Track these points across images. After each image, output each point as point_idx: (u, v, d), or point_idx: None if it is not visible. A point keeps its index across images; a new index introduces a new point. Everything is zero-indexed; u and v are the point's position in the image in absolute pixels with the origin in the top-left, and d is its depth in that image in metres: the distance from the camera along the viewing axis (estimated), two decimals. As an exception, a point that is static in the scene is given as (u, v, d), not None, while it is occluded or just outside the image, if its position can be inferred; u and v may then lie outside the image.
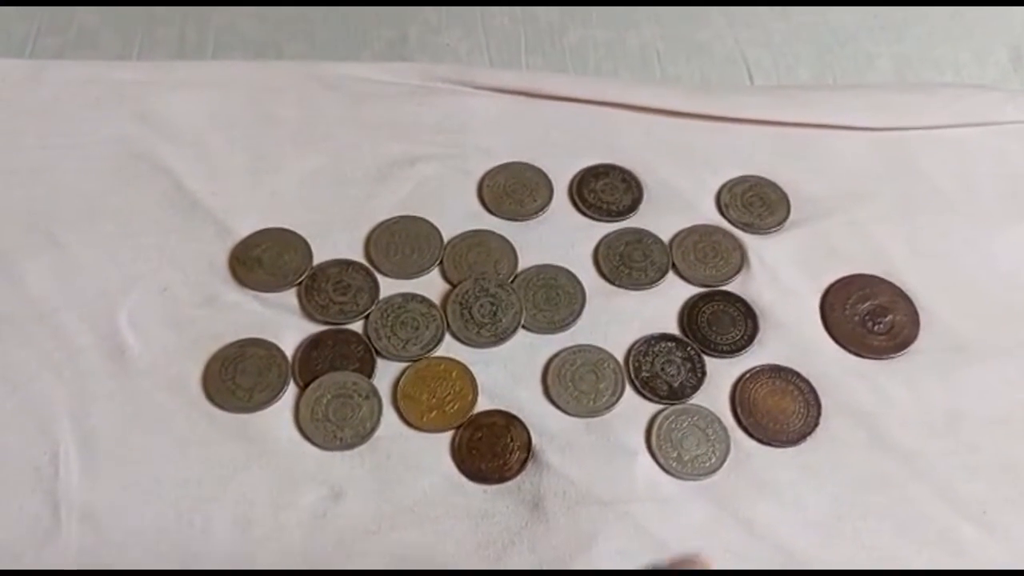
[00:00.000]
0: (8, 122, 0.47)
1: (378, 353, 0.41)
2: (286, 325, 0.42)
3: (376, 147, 0.47)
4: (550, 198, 0.46)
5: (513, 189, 0.46)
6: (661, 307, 0.43)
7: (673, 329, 0.42)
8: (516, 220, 0.45)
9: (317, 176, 0.46)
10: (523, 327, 0.42)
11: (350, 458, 0.38)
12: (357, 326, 0.42)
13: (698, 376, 0.41)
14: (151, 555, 0.36)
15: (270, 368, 0.40)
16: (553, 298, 0.43)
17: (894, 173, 0.48)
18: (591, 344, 0.42)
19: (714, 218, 0.46)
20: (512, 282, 0.43)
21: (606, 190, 0.46)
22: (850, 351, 0.42)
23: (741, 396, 0.40)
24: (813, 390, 0.41)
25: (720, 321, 0.42)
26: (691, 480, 0.38)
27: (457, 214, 0.45)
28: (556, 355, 0.41)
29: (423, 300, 0.42)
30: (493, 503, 0.37)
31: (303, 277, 0.43)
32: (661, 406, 0.40)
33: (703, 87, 0.52)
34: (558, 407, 0.40)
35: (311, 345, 0.41)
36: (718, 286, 0.44)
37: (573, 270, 0.44)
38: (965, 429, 0.40)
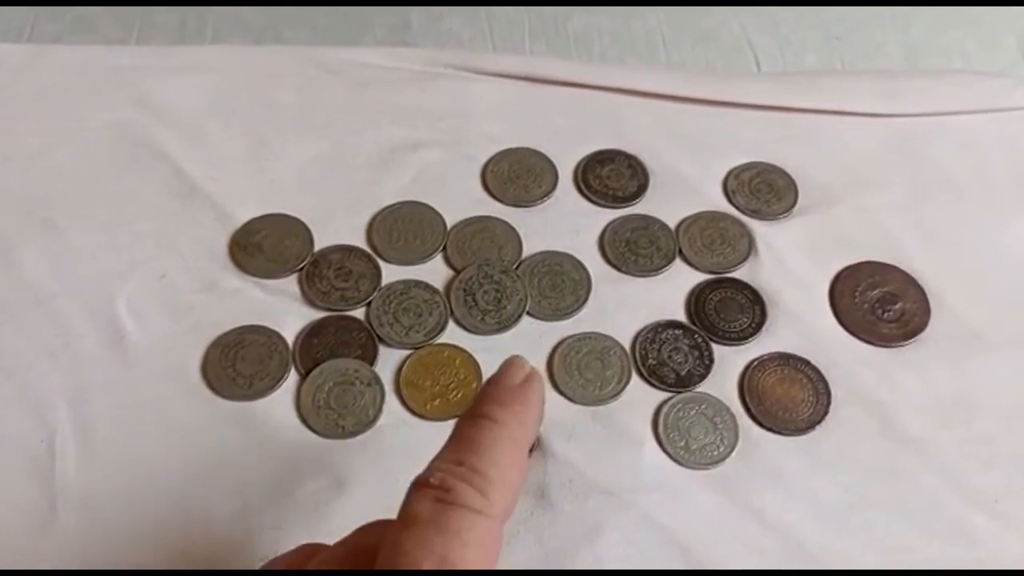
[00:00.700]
0: (5, 107, 0.46)
1: (380, 340, 0.40)
2: (287, 312, 0.41)
3: (378, 133, 0.47)
4: (555, 184, 0.45)
5: (517, 175, 0.45)
6: (668, 294, 0.42)
7: (680, 316, 0.42)
8: (520, 206, 0.45)
9: (318, 161, 0.46)
10: (528, 314, 0.41)
11: (352, 447, 0.38)
12: (359, 313, 0.41)
13: (706, 364, 0.40)
14: (149, 544, 0.35)
15: (271, 355, 0.39)
16: (558, 285, 0.42)
17: (903, 159, 0.47)
18: (597, 331, 0.41)
19: (721, 204, 0.45)
20: (516, 268, 0.42)
21: (612, 176, 0.46)
22: (860, 339, 0.41)
23: (749, 384, 0.40)
24: (823, 378, 0.40)
25: (728, 308, 0.42)
26: (699, 469, 0.38)
27: (461, 200, 0.45)
28: (561, 342, 0.41)
29: (426, 287, 0.42)
30: (498, 492, 0.37)
31: (304, 263, 0.42)
32: (668, 394, 0.39)
33: (710, 72, 0.51)
34: (563, 395, 0.39)
35: (312, 332, 0.40)
36: (725, 273, 0.43)
37: (578, 256, 0.43)
38: (976, 418, 0.39)
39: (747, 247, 0.44)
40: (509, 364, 0.29)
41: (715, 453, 0.38)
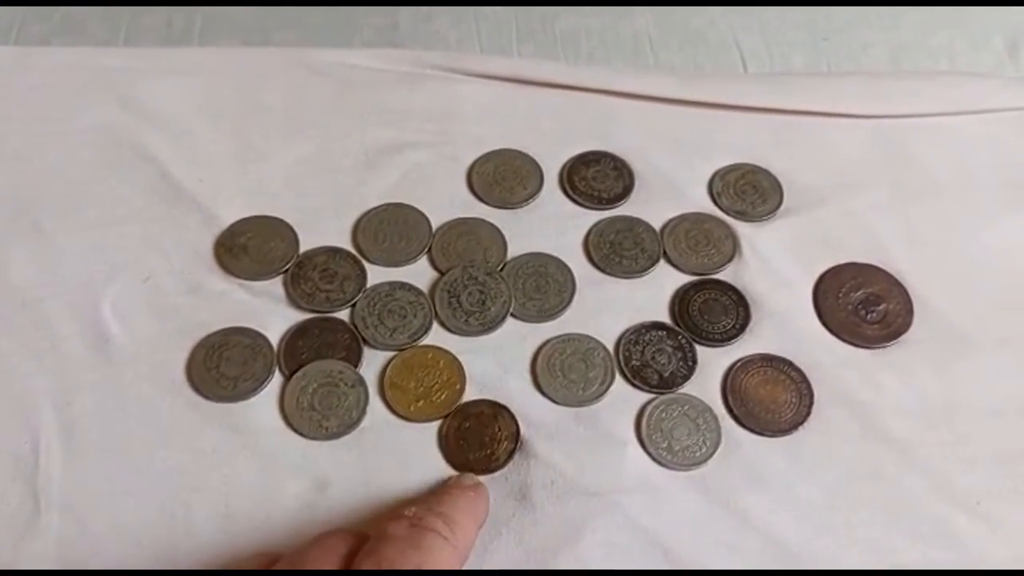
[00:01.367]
0: (-8, 109, 0.47)
1: (365, 342, 0.40)
2: (272, 313, 0.41)
3: (365, 134, 0.47)
4: (540, 186, 0.45)
5: (503, 177, 0.46)
6: (652, 295, 0.42)
7: (664, 318, 0.42)
8: (506, 208, 0.45)
9: (305, 163, 0.46)
10: (512, 316, 0.41)
11: (336, 448, 0.38)
12: (344, 314, 0.41)
13: (689, 365, 0.40)
14: (133, 546, 0.35)
15: (255, 357, 0.39)
16: (543, 286, 0.42)
17: (889, 161, 0.47)
18: (581, 333, 0.41)
19: (706, 206, 0.45)
20: (501, 270, 0.43)
21: (597, 177, 0.46)
22: (843, 340, 0.41)
23: (732, 385, 0.40)
24: (806, 379, 0.40)
25: (712, 310, 0.42)
26: (681, 470, 0.38)
27: (446, 202, 0.45)
28: (545, 344, 0.41)
29: (411, 288, 0.42)
30: (480, 494, 0.37)
31: (289, 265, 0.42)
32: (651, 395, 0.39)
33: (696, 74, 0.51)
34: (547, 396, 0.39)
35: (297, 334, 0.40)
36: (710, 274, 0.43)
37: (563, 258, 0.43)
38: (959, 420, 0.39)
39: (732, 248, 0.44)
40: (460, 476, 0.37)
41: (698, 454, 0.38)
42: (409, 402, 0.39)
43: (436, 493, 0.34)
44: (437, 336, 0.41)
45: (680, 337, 0.41)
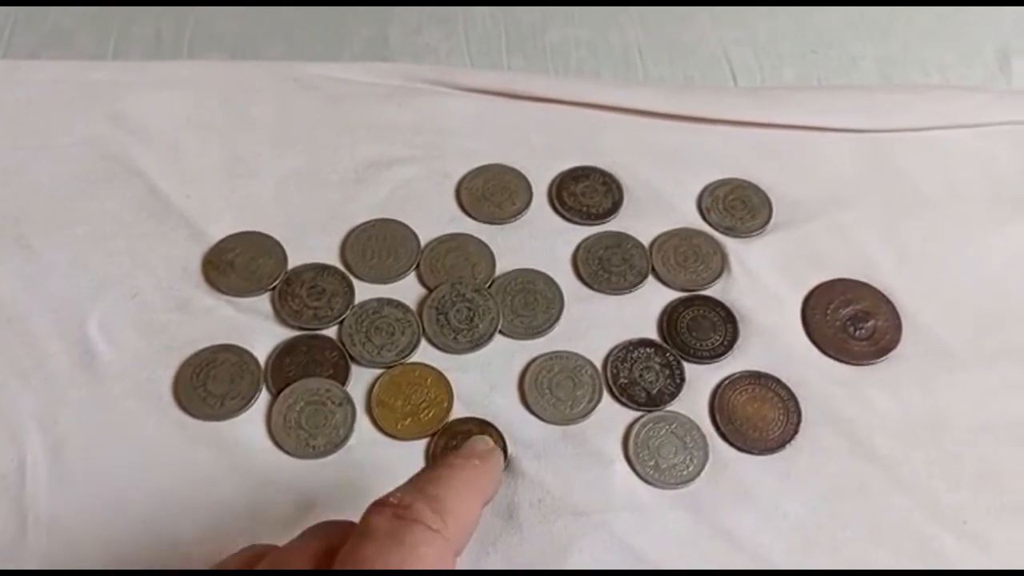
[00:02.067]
0: (-21, 123, 0.46)
1: (352, 359, 0.40)
2: (259, 330, 0.41)
3: (354, 149, 0.47)
4: (529, 201, 0.45)
5: (492, 192, 0.45)
6: (640, 312, 0.42)
7: (652, 334, 0.42)
8: (494, 223, 0.45)
9: (293, 178, 0.46)
10: (500, 333, 0.41)
11: (323, 466, 0.38)
12: (331, 332, 0.41)
13: (676, 383, 0.40)
14: (118, 564, 0.35)
15: (242, 375, 0.39)
16: (531, 303, 0.42)
17: (878, 176, 0.47)
18: (569, 350, 0.41)
19: (695, 221, 0.45)
20: (489, 287, 0.42)
21: (586, 193, 0.46)
22: (831, 357, 0.41)
23: (720, 403, 0.40)
24: (793, 397, 0.40)
25: (700, 326, 0.42)
26: (669, 489, 0.38)
27: (435, 217, 0.45)
28: (533, 361, 0.41)
29: (399, 305, 0.42)
30: (467, 513, 0.37)
31: (277, 282, 0.42)
32: (639, 413, 0.39)
33: (685, 88, 0.51)
34: (534, 414, 0.39)
35: (284, 351, 0.40)
36: (698, 291, 0.43)
37: (551, 274, 0.43)
38: (947, 437, 0.39)
39: (720, 264, 0.44)
40: (473, 439, 0.32)
41: (685, 473, 0.38)
42: (396, 420, 0.39)
43: (433, 469, 0.30)
44: (425, 353, 0.41)
45: (668, 354, 0.41)
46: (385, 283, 0.42)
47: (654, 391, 0.40)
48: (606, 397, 0.40)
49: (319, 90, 0.49)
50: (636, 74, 0.52)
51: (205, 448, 0.38)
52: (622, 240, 0.44)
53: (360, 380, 0.40)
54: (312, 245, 0.43)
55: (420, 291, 0.43)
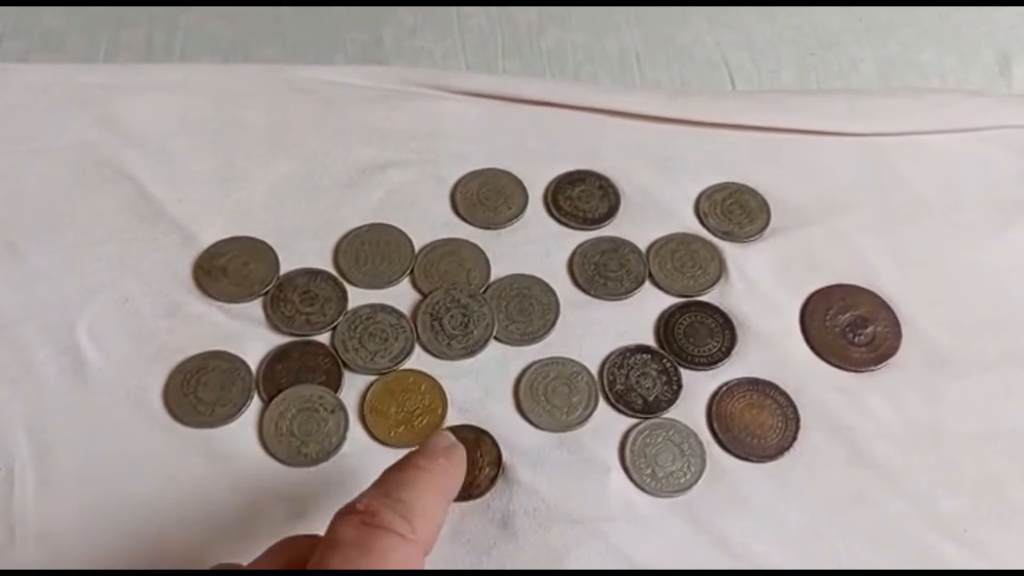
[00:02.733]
0: (-31, 127, 0.46)
1: (345, 366, 0.40)
2: (251, 337, 0.40)
3: (347, 153, 0.46)
4: (525, 205, 0.45)
5: (487, 196, 0.45)
6: (637, 318, 0.42)
7: (649, 341, 0.41)
8: (490, 228, 0.44)
9: (286, 183, 0.45)
10: (495, 339, 0.41)
11: (315, 474, 0.37)
12: (324, 338, 0.41)
13: (674, 389, 0.40)
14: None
15: (233, 381, 0.39)
16: (526, 309, 0.42)
17: (877, 180, 0.47)
18: (564, 356, 0.41)
19: (693, 226, 0.45)
20: (484, 292, 0.42)
21: (582, 197, 0.45)
22: (830, 363, 0.41)
23: (718, 410, 0.39)
24: (792, 403, 0.40)
25: (697, 332, 0.41)
26: (665, 497, 0.37)
27: (429, 222, 0.44)
28: (528, 367, 0.40)
29: (392, 311, 0.41)
30: (461, 521, 0.36)
31: (269, 287, 0.41)
32: (635, 420, 0.39)
33: (683, 92, 0.51)
34: (530, 421, 0.39)
35: (276, 357, 0.40)
36: (695, 296, 0.43)
37: (547, 280, 0.43)
38: (946, 444, 0.39)
39: (718, 270, 0.43)
40: (436, 435, 0.32)
41: (682, 480, 0.38)
42: (390, 427, 0.38)
43: (398, 470, 0.29)
44: (419, 360, 0.40)
45: (665, 361, 0.40)
46: (379, 288, 0.42)
47: (651, 398, 0.39)
48: (602, 404, 0.39)
49: (312, 94, 0.48)
50: (633, 78, 0.52)
51: (196, 456, 0.37)
52: (619, 245, 0.44)
53: (353, 387, 0.39)
54: (305, 250, 0.43)
55: (414, 296, 0.42)
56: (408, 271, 0.42)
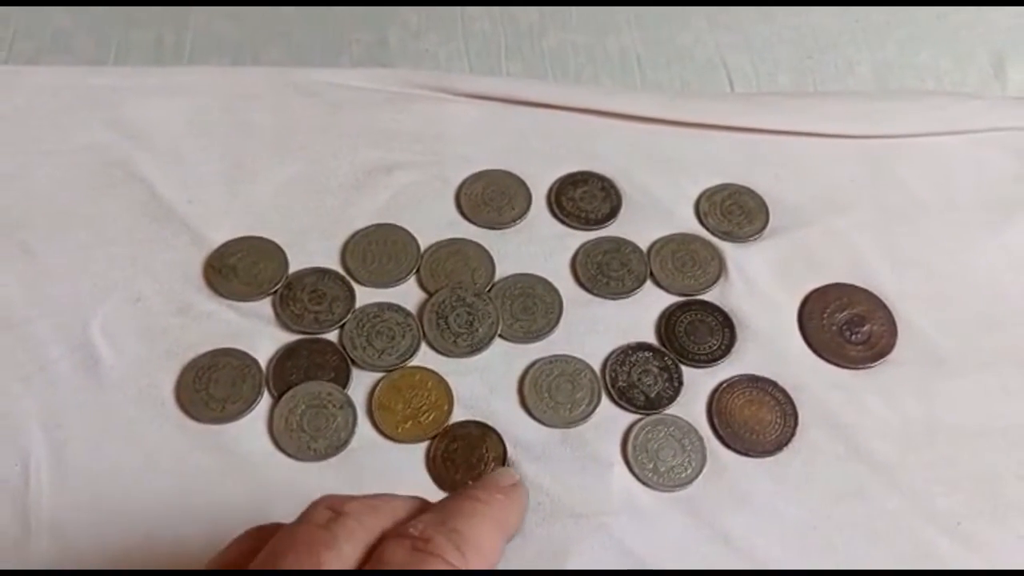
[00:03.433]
0: (-19, 129, 0.47)
1: (353, 363, 0.40)
2: (261, 335, 0.41)
3: (353, 155, 0.47)
4: (528, 206, 0.46)
5: (491, 197, 0.46)
6: (638, 316, 0.43)
7: (650, 339, 0.42)
8: (494, 228, 0.45)
9: (293, 184, 0.46)
10: (500, 337, 0.42)
11: (324, 469, 0.38)
12: (332, 336, 0.41)
13: (675, 386, 0.41)
14: (120, 568, 0.35)
15: (244, 378, 0.40)
16: (530, 307, 0.42)
17: (874, 181, 0.48)
18: (568, 354, 0.41)
19: (693, 226, 0.46)
20: (489, 291, 0.43)
21: (584, 198, 0.46)
22: (828, 361, 0.42)
23: (718, 406, 0.40)
24: (790, 400, 0.40)
25: (697, 331, 0.42)
26: (667, 491, 0.38)
27: (434, 222, 0.45)
28: (532, 365, 0.41)
29: (399, 309, 0.42)
30: (467, 515, 0.37)
31: (278, 286, 0.42)
32: (637, 416, 0.40)
33: (683, 94, 0.52)
34: (534, 417, 0.40)
35: (285, 355, 0.41)
36: (696, 295, 0.43)
37: (550, 279, 0.43)
38: (941, 441, 0.40)
39: (718, 269, 0.44)
40: (498, 471, 0.31)
41: (683, 475, 0.38)
42: (397, 423, 0.39)
43: (457, 499, 0.28)
44: (425, 357, 0.41)
45: (666, 358, 0.41)
46: (385, 287, 0.43)
47: (652, 394, 0.40)
48: (605, 400, 0.40)
49: (319, 96, 0.49)
50: (633, 79, 0.53)
51: (207, 451, 0.38)
52: (620, 245, 0.45)
53: (361, 384, 0.40)
54: (313, 250, 0.44)
55: (420, 295, 0.43)
56: (414, 270, 0.43)
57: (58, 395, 0.39)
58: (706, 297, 0.43)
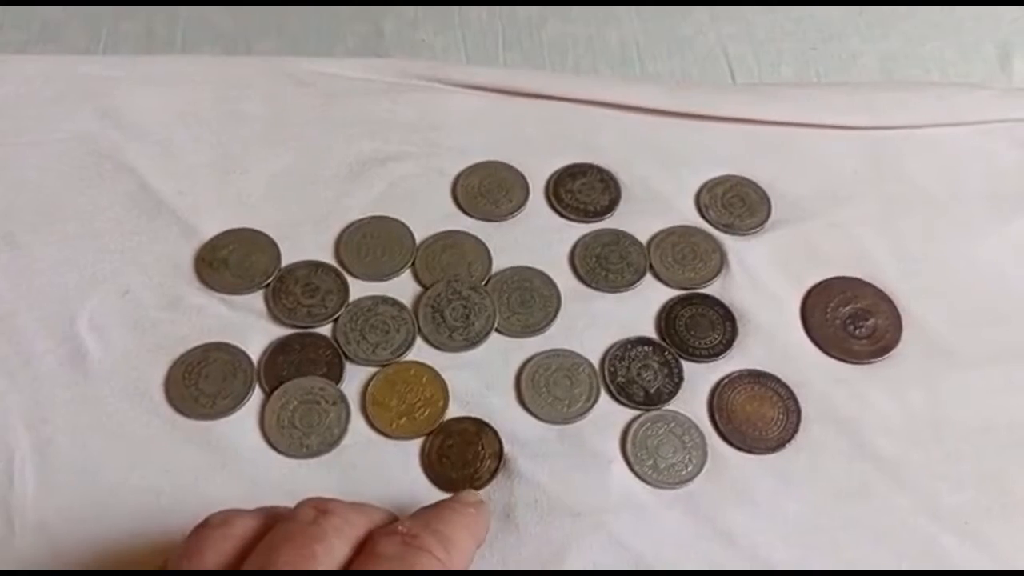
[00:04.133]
0: (-32, 118, 0.46)
1: (347, 357, 0.40)
2: (252, 329, 0.40)
3: (348, 146, 0.46)
4: (526, 198, 0.45)
5: (488, 189, 0.45)
6: (638, 310, 0.42)
7: (650, 333, 0.41)
8: (491, 221, 0.44)
9: (287, 175, 0.45)
10: (496, 331, 0.41)
11: (316, 466, 0.37)
12: (325, 330, 0.40)
13: (675, 381, 0.40)
14: (107, 566, 0.35)
15: (235, 373, 0.39)
16: (528, 301, 0.42)
17: (878, 173, 0.47)
18: (566, 348, 0.40)
19: (693, 219, 0.45)
20: (486, 284, 0.42)
21: (583, 190, 0.45)
22: (831, 355, 0.41)
23: (719, 402, 0.39)
24: (793, 396, 0.40)
25: (698, 325, 0.41)
26: (667, 489, 0.37)
27: (430, 214, 0.44)
28: (530, 360, 0.40)
29: (394, 303, 0.41)
30: (462, 514, 0.36)
31: (271, 279, 0.41)
32: (637, 412, 0.39)
33: (683, 85, 0.51)
34: (531, 413, 0.39)
35: (278, 349, 0.40)
36: (697, 289, 0.43)
37: (548, 272, 0.43)
38: (947, 437, 0.39)
39: (719, 262, 0.43)
40: (465, 492, 0.34)
41: (683, 472, 0.38)
42: (391, 419, 0.38)
43: (434, 508, 0.32)
44: (420, 352, 0.40)
45: (666, 353, 0.40)
46: (380, 281, 0.42)
47: (652, 390, 0.39)
48: (604, 396, 0.39)
49: (313, 86, 0.48)
50: (633, 70, 0.52)
51: (197, 448, 0.37)
52: (620, 238, 0.44)
53: (354, 379, 0.39)
54: (306, 242, 0.43)
55: (415, 289, 0.42)
56: (409, 263, 0.42)
57: (44, 390, 0.38)
58: (707, 291, 0.43)
